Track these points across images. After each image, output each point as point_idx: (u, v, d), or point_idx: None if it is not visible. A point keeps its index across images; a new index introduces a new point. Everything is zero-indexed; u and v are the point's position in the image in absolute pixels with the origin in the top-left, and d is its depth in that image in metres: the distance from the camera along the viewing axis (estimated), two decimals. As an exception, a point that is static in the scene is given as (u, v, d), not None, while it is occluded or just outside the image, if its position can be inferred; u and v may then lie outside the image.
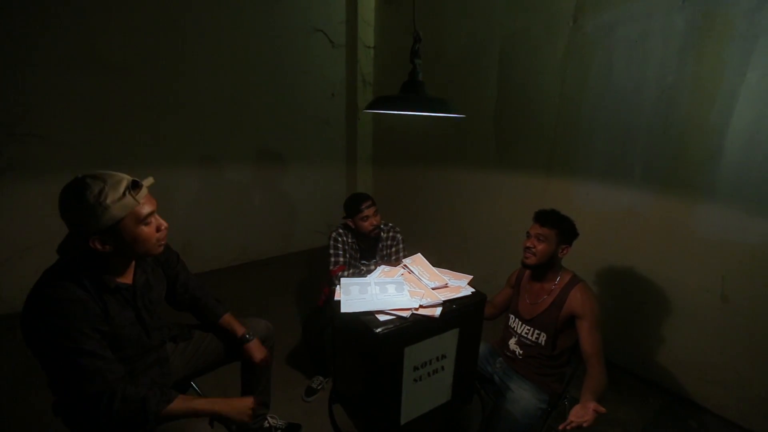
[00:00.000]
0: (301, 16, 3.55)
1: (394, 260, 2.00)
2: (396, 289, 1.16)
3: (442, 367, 1.15)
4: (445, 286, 1.22)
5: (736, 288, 1.85)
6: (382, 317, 1.03)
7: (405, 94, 1.19)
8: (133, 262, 1.13)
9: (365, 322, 1.01)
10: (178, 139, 3.13)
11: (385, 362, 1.02)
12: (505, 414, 1.38)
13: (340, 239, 1.99)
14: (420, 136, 3.43)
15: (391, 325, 1.00)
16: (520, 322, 1.56)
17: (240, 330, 1.42)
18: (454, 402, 1.24)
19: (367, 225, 1.91)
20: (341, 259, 1.96)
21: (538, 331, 1.49)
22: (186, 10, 2.95)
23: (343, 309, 1.07)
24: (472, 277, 1.28)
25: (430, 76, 3.08)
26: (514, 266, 1.65)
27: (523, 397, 1.40)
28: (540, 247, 1.44)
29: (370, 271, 1.35)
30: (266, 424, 1.67)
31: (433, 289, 1.19)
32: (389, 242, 2.05)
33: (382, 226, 2.02)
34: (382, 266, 1.36)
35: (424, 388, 1.13)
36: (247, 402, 1.19)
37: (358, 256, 2.06)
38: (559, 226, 1.44)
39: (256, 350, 1.41)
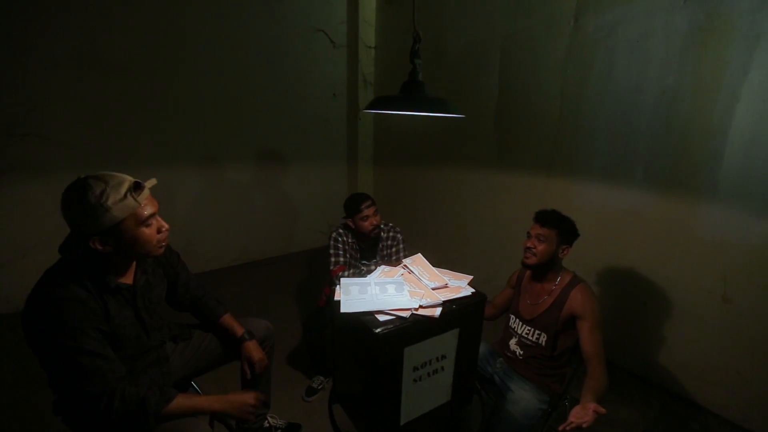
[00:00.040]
0: (302, 17, 3.55)
1: (394, 260, 2.00)
2: (396, 290, 1.16)
3: (442, 368, 1.15)
4: (445, 286, 1.22)
5: (737, 289, 1.85)
6: (381, 317, 1.03)
7: (405, 94, 1.19)
8: (134, 263, 1.14)
9: (365, 322, 1.01)
10: (179, 139, 3.13)
11: (385, 362, 1.02)
12: (505, 414, 1.37)
13: (340, 239, 1.99)
14: (421, 137, 3.43)
15: (391, 326, 1.00)
16: (520, 323, 1.56)
17: (239, 330, 1.42)
18: (454, 402, 1.24)
19: (367, 225, 1.91)
20: (341, 259, 1.96)
21: (539, 332, 1.49)
22: (187, 10, 2.95)
23: (343, 309, 1.07)
24: (472, 277, 1.28)
25: (431, 76, 3.10)
26: (515, 266, 1.65)
27: (523, 397, 1.39)
28: (540, 247, 1.44)
29: (370, 271, 1.35)
30: (266, 424, 1.67)
31: (433, 289, 1.18)
32: (389, 242, 2.05)
33: (382, 226, 2.02)
34: (382, 266, 1.36)
35: (424, 388, 1.13)
36: (248, 398, 1.18)
37: (359, 256, 2.06)
38: (560, 227, 1.44)
39: (254, 350, 1.41)
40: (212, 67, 3.15)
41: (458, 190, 3.20)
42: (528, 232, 1.49)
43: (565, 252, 1.47)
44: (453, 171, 3.22)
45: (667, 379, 2.13)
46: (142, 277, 1.16)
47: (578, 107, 2.32)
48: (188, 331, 1.43)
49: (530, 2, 2.49)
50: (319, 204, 4.10)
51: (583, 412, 1.13)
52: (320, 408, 1.93)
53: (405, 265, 1.35)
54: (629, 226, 2.18)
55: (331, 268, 1.94)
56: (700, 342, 1.99)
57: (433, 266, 1.33)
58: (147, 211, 1.01)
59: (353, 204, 1.93)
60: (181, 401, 1.06)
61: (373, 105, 1.21)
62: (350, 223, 1.96)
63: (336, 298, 1.15)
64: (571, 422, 1.11)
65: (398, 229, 2.08)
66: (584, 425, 1.10)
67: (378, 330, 0.98)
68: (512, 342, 1.57)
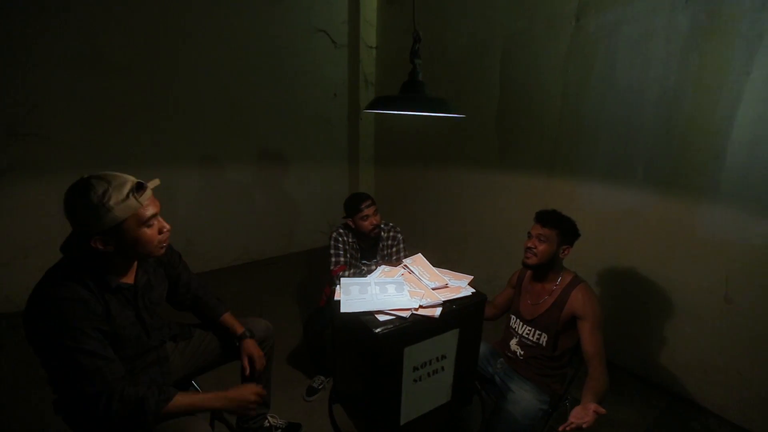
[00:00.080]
0: (303, 17, 3.55)
1: (394, 260, 2.00)
2: (396, 289, 1.16)
3: (442, 368, 1.15)
4: (446, 286, 1.22)
5: (739, 289, 1.84)
6: (381, 317, 1.03)
7: (404, 94, 1.19)
8: (136, 263, 1.14)
9: (365, 322, 1.01)
10: (179, 138, 3.13)
11: (385, 362, 1.02)
12: (505, 415, 1.37)
13: (340, 239, 1.99)
14: (422, 137, 3.43)
15: (391, 326, 1.00)
16: (521, 323, 1.56)
17: (240, 329, 1.43)
18: (454, 403, 1.24)
19: (366, 224, 1.91)
20: (342, 259, 1.96)
21: (539, 332, 1.49)
22: (187, 10, 2.95)
23: (343, 309, 1.07)
24: (472, 277, 1.28)
25: (432, 76, 3.10)
26: (516, 267, 1.65)
27: (524, 398, 1.39)
28: (541, 247, 1.43)
29: (370, 271, 1.35)
30: (266, 424, 1.67)
31: (433, 289, 1.18)
32: (390, 242, 2.05)
33: (382, 226, 2.03)
34: (383, 266, 1.36)
35: (424, 388, 1.13)
36: (247, 394, 1.18)
37: (359, 255, 2.06)
38: (560, 227, 1.44)
39: (254, 348, 1.41)
40: (213, 66, 3.15)
41: (459, 190, 3.20)
42: (529, 232, 1.49)
43: (565, 252, 1.46)
44: (454, 171, 3.21)
45: (668, 379, 2.13)
46: (144, 277, 1.16)
47: (579, 107, 2.31)
48: (188, 330, 1.43)
49: (531, 2, 2.48)
50: (320, 204, 4.10)
51: (583, 413, 1.13)
52: (321, 408, 1.93)
53: (405, 265, 1.35)
54: (630, 226, 2.17)
55: (332, 267, 1.94)
56: (701, 342, 1.98)
57: (434, 266, 1.33)
58: (149, 211, 1.01)
59: (353, 204, 1.93)
60: (180, 400, 1.06)
61: (372, 105, 1.21)
62: (350, 223, 1.96)
63: (336, 297, 1.15)
64: (571, 423, 1.11)
65: (398, 228, 2.08)
66: (584, 426, 1.10)
67: (378, 330, 0.98)
68: (513, 342, 1.57)
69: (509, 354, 1.58)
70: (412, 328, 1.03)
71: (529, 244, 1.47)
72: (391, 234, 2.06)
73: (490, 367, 1.59)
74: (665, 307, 2.08)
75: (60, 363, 0.96)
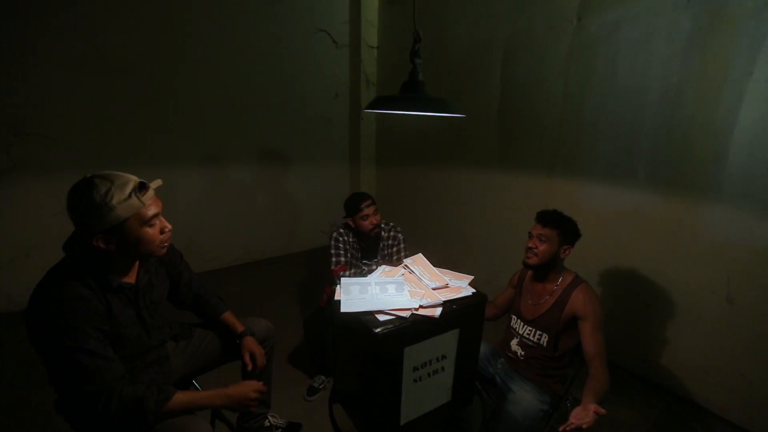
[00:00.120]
0: (304, 17, 3.56)
1: (395, 260, 2.00)
2: (396, 289, 1.16)
3: (443, 368, 1.15)
4: (446, 286, 1.21)
5: (741, 290, 1.83)
6: (381, 317, 1.03)
7: (405, 94, 1.19)
8: (138, 262, 1.14)
9: (365, 322, 1.01)
10: (180, 138, 3.14)
11: (385, 362, 1.01)
12: (506, 415, 1.37)
13: (341, 239, 1.99)
14: (423, 136, 3.43)
15: (391, 326, 1.00)
16: (521, 323, 1.56)
17: (240, 327, 1.43)
18: (455, 403, 1.24)
19: (367, 224, 1.91)
20: (342, 259, 1.96)
21: (540, 332, 1.48)
22: (188, 10, 2.96)
23: (343, 309, 1.07)
24: (473, 277, 1.28)
25: (433, 76, 3.10)
26: (516, 267, 1.64)
27: (524, 398, 1.39)
28: (542, 247, 1.43)
29: (371, 271, 1.35)
30: (267, 423, 1.67)
31: (433, 289, 1.18)
32: (390, 242, 2.05)
33: (383, 226, 2.03)
34: (383, 266, 1.36)
35: (424, 388, 1.13)
36: (247, 391, 1.17)
37: (360, 255, 2.06)
38: (561, 227, 1.44)
39: (254, 344, 1.42)
40: (214, 66, 3.16)
41: (460, 190, 3.20)
42: (529, 232, 1.49)
43: (566, 252, 1.46)
44: (455, 171, 3.21)
45: (669, 379, 2.12)
46: (145, 277, 1.16)
47: (581, 107, 2.31)
48: (189, 329, 1.43)
49: (532, 2, 2.48)
50: (321, 204, 4.10)
51: (583, 413, 1.13)
52: (321, 407, 1.93)
53: (406, 265, 1.35)
54: (631, 226, 2.17)
55: (333, 267, 1.95)
56: (702, 343, 1.98)
57: (434, 266, 1.33)
58: (151, 211, 1.01)
59: (353, 203, 1.93)
60: (180, 398, 1.06)
61: (373, 105, 1.21)
62: (351, 223, 1.96)
63: (336, 297, 1.15)
64: (572, 423, 1.11)
65: (399, 228, 2.08)
66: (585, 426, 1.10)
67: (378, 330, 0.98)
68: (513, 342, 1.57)
69: (510, 354, 1.58)
70: (412, 328, 1.03)
71: (529, 244, 1.47)
72: (392, 234, 2.06)
73: (490, 367, 1.59)
74: (666, 308, 2.08)
75: (60, 362, 0.96)
